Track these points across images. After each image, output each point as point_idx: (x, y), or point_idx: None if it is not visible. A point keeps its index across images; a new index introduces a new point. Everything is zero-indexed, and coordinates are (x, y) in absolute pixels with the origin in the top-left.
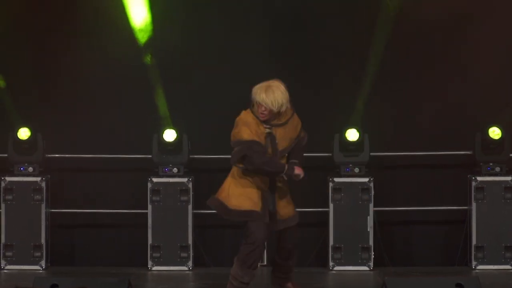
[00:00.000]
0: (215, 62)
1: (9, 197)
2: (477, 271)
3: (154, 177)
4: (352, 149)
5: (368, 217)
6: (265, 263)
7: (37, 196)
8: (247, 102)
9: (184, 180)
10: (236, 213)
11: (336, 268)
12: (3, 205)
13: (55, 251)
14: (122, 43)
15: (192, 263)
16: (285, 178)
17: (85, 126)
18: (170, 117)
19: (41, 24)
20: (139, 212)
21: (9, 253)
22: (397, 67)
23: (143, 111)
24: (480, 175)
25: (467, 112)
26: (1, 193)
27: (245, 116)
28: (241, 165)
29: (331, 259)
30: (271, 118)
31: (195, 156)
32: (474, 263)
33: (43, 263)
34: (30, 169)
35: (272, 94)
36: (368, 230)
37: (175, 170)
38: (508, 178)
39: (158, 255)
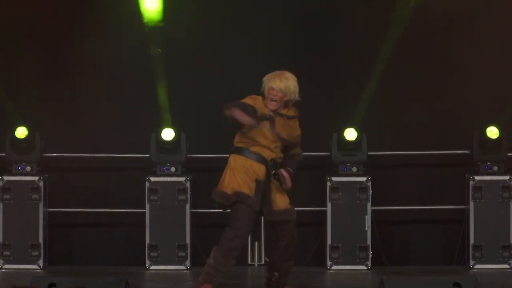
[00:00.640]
0: (214, 61)
1: (7, 196)
2: (475, 270)
3: (152, 176)
4: (350, 148)
5: (366, 216)
6: (263, 262)
7: (35, 195)
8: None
9: (182, 179)
10: (232, 196)
11: (334, 267)
12: (1, 204)
13: (53, 251)
14: (122, 42)
15: (190, 262)
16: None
17: (83, 126)
18: (170, 110)
19: (40, 23)
20: (137, 211)
21: (7, 252)
22: (395, 66)
23: (141, 111)
24: (478, 174)
25: (465, 112)
26: None
27: (255, 97)
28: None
29: (329, 258)
30: (280, 107)
31: (193, 156)
32: (472, 262)
33: (41, 262)
34: (28, 168)
35: (286, 80)
36: (366, 229)
37: (173, 169)
38: (506, 178)
39: (156, 254)
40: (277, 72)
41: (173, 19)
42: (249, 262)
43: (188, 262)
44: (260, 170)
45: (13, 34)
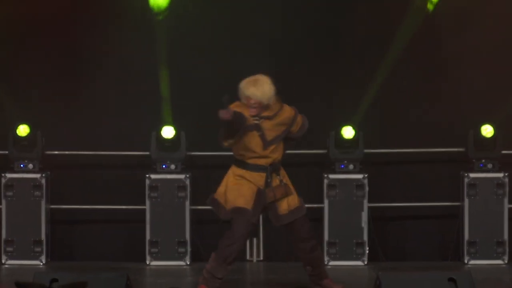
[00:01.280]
0: (214, 60)
1: (9, 193)
2: (469, 266)
3: (152, 174)
4: (347, 146)
5: (363, 213)
6: (261, 258)
7: (37, 192)
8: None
9: (182, 176)
10: (228, 211)
11: (331, 263)
12: (3, 201)
13: (55, 247)
14: (121, 42)
15: (190, 258)
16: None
17: (84, 123)
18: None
19: (41, 22)
20: (138, 208)
21: (9, 248)
22: (393, 66)
23: (141, 108)
24: (472, 171)
25: (460, 110)
26: (2, 190)
27: (240, 104)
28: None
29: (326, 254)
30: (260, 111)
31: (193, 153)
32: (466, 258)
33: (43, 258)
34: (30, 165)
35: (261, 87)
36: (363, 225)
37: (172, 166)
38: (500, 175)
39: (156, 250)
40: (252, 78)
41: (173, 18)
42: (248, 258)
43: (188, 258)
44: (261, 178)
45: (15, 33)
